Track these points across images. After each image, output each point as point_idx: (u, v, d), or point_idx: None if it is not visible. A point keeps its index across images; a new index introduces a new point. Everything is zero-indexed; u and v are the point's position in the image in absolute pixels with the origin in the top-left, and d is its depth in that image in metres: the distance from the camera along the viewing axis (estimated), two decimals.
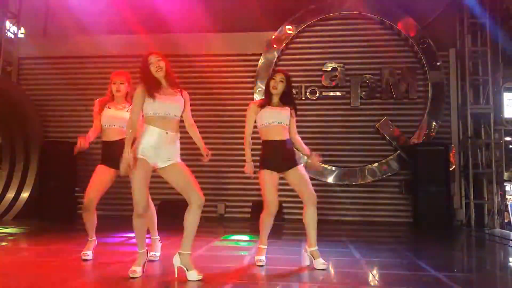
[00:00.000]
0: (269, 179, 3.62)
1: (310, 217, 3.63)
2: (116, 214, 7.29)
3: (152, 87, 3.21)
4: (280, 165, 3.66)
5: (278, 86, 3.75)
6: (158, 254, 3.88)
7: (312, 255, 3.61)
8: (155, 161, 3.15)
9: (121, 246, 4.86)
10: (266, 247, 3.77)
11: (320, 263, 3.54)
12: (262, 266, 3.63)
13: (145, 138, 3.15)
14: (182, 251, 3.12)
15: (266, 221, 3.68)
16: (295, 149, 3.80)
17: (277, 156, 3.65)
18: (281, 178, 3.73)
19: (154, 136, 3.14)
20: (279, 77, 3.78)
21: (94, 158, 8.37)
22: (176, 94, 3.29)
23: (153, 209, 3.84)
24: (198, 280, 3.04)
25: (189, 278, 3.07)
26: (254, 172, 3.73)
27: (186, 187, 3.16)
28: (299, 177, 3.66)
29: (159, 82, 3.27)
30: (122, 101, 3.93)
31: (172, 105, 3.22)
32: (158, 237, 3.93)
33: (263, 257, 3.71)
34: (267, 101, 3.78)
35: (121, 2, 8.17)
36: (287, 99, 3.81)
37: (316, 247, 3.62)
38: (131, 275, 3.11)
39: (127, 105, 3.86)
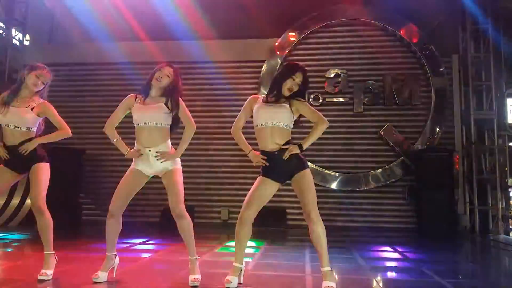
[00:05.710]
0: (261, 188, 3.04)
1: (312, 236, 2.96)
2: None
3: (138, 96, 3.21)
4: (283, 174, 3.05)
5: (294, 89, 3.08)
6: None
7: (322, 275, 2.97)
8: (150, 172, 3.19)
9: (125, 252, 4.87)
10: (242, 266, 3.13)
11: (324, 285, 2.91)
12: None
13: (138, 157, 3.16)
14: (190, 257, 3.18)
15: (239, 231, 3.05)
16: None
17: (278, 165, 3.03)
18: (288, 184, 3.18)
19: (143, 157, 3.12)
20: (299, 78, 3.07)
21: (99, 164, 8.49)
22: (159, 101, 3.15)
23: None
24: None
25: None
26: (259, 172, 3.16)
27: (169, 196, 3.14)
28: (301, 186, 2.99)
29: (147, 91, 3.19)
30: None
31: (149, 113, 3.10)
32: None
33: (233, 278, 3.04)
34: (268, 99, 3.15)
35: (126, 10, 8.25)
36: (294, 95, 3.10)
37: (325, 268, 2.95)
38: (93, 280, 3.09)
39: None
